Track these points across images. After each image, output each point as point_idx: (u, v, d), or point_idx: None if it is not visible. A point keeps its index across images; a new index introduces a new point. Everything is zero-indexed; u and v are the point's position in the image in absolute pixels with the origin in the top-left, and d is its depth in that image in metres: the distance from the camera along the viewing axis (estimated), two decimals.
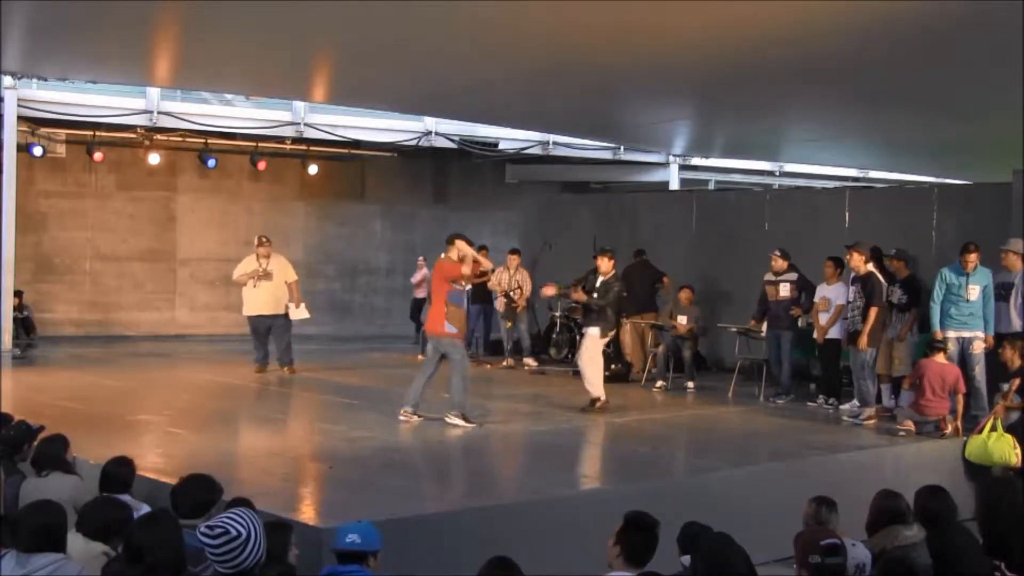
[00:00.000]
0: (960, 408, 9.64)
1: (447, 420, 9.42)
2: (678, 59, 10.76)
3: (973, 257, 10.11)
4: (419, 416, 9.62)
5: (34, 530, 4.28)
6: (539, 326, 15.30)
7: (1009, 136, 12.68)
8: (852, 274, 10.64)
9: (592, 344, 10.64)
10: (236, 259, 18.68)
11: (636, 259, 14.03)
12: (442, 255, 10.17)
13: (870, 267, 10.53)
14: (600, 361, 10.78)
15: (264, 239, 13.43)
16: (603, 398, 10.58)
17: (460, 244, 9.78)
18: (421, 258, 18.59)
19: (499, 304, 14.74)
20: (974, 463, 9.22)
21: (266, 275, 13.15)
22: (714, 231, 15.09)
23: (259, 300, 13.13)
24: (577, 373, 13.46)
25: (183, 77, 14.70)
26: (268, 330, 13.13)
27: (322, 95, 15.73)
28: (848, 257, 10.62)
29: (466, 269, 9.65)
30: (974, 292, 10.06)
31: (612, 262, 10.90)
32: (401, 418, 9.57)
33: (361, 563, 4.57)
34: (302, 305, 13.32)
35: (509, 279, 14.62)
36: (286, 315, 13.21)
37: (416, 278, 18.49)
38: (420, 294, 18.05)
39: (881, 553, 4.87)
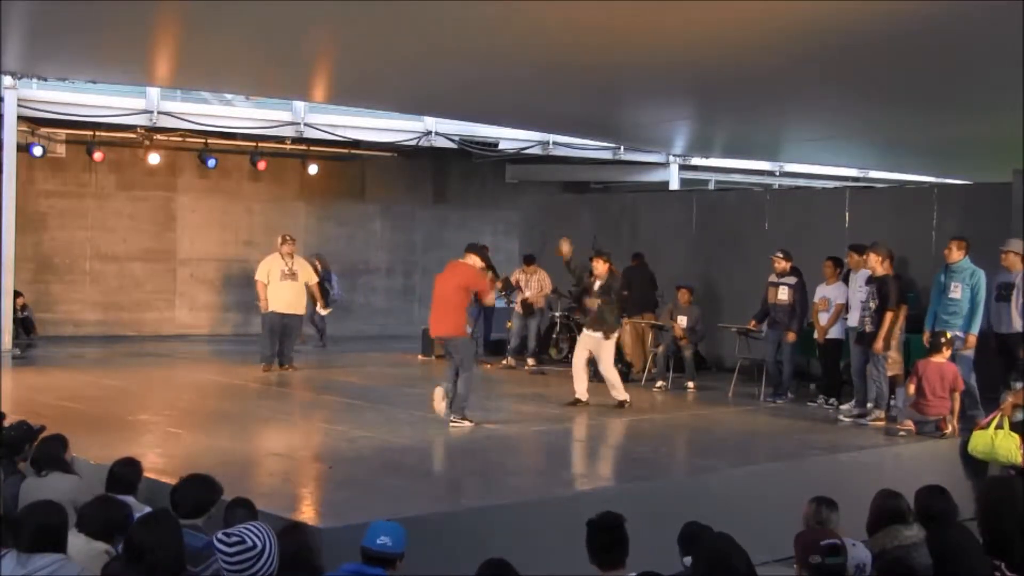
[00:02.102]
0: (956, 407, 9.64)
1: (453, 422, 9.38)
2: (678, 59, 10.76)
3: (953, 244, 10.20)
4: (470, 421, 9.47)
5: (34, 530, 4.27)
6: (539, 326, 15.30)
7: (1009, 136, 12.68)
8: (867, 274, 10.59)
9: (608, 349, 10.82)
10: (236, 259, 18.78)
11: (635, 263, 14.05)
12: (463, 260, 9.81)
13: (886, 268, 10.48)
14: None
15: (289, 237, 13.50)
16: (627, 399, 10.88)
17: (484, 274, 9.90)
18: None
19: (517, 306, 14.63)
20: (976, 459, 9.22)
21: (292, 275, 13.23)
22: (714, 231, 15.09)
23: (282, 299, 13.21)
24: None
25: (183, 77, 14.70)
26: (283, 329, 13.18)
27: (322, 95, 15.73)
28: (863, 257, 10.57)
29: (489, 299, 9.75)
30: (956, 290, 10.11)
31: (608, 265, 10.99)
32: (452, 426, 9.40)
33: (387, 567, 4.49)
34: (323, 306, 13.46)
35: (526, 282, 14.62)
36: (301, 317, 13.30)
37: None
38: None
39: (881, 553, 4.87)
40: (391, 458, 8.20)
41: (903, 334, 10.89)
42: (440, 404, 9.40)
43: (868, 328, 10.25)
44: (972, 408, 10.00)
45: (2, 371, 12.58)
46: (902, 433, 9.56)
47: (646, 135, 17.97)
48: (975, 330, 10.07)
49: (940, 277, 10.32)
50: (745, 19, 8.86)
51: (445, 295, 9.61)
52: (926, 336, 10.11)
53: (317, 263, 17.37)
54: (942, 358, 9.65)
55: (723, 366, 13.91)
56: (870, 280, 10.37)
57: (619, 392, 10.83)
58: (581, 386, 10.88)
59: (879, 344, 10.15)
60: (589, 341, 10.87)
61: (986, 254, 10.37)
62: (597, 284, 10.94)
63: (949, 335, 9.86)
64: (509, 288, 14.48)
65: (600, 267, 10.99)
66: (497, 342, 15.66)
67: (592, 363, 11.03)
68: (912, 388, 9.65)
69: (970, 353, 10.13)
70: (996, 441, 9.06)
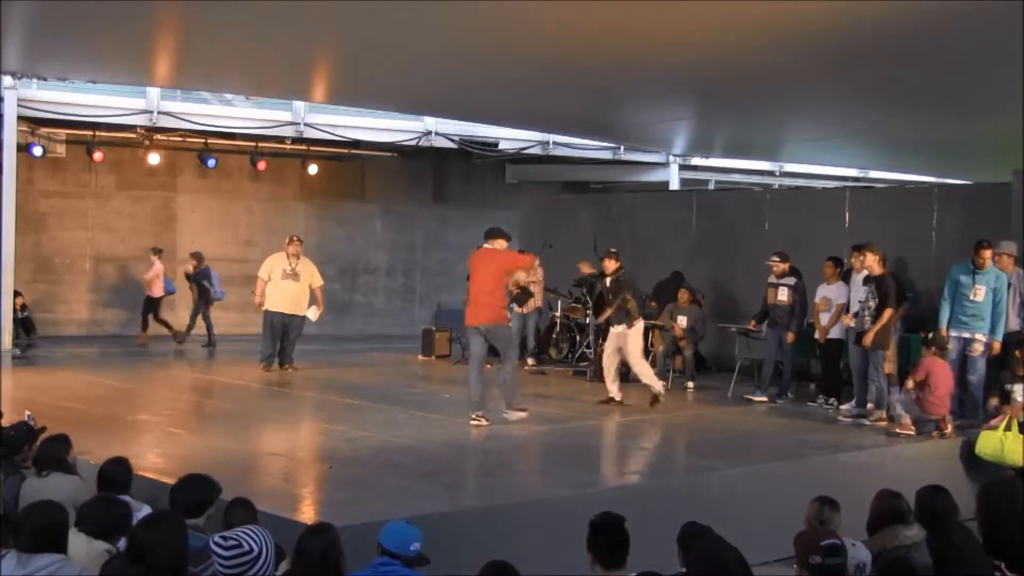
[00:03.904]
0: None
1: (507, 416, 9.53)
2: (678, 59, 10.75)
3: (987, 253, 10.10)
4: (487, 420, 9.55)
5: (35, 530, 4.27)
6: (539, 326, 15.30)
7: (1009, 136, 12.68)
8: (863, 274, 10.59)
9: (633, 340, 10.85)
10: (236, 259, 18.77)
11: (671, 277, 14.07)
12: (487, 245, 9.88)
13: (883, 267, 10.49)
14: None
15: (295, 238, 13.51)
16: (662, 390, 10.96)
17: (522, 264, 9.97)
18: (154, 253, 16.86)
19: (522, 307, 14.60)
20: (977, 460, 9.21)
21: (293, 275, 13.23)
22: (714, 231, 15.09)
23: (283, 298, 13.21)
24: (578, 372, 13.53)
25: (183, 77, 14.70)
26: (283, 328, 13.18)
27: (322, 95, 15.73)
28: (861, 257, 10.56)
29: (522, 274, 9.79)
30: (980, 292, 10.06)
31: (617, 263, 11.08)
32: (472, 422, 9.50)
33: (420, 567, 4.51)
34: (318, 311, 13.39)
35: (525, 277, 14.59)
36: (303, 317, 13.29)
37: (150, 275, 16.69)
38: (156, 292, 16.64)
39: (881, 553, 4.87)
40: (391, 458, 8.20)
41: (899, 333, 10.90)
42: (482, 423, 9.45)
43: (868, 327, 10.23)
44: (971, 410, 10.02)
45: (2, 371, 12.58)
46: (902, 434, 9.55)
47: (646, 135, 17.97)
48: (999, 335, 10.08)
49: (961, 277, 10.22)
50: (745, 19, 8.86)
51: (484, 284, 9.61)
52: (943, 334, 10.10)
53: (195, 261, 16.85)
54: (944, 358, 9.70)
55: (723, 366, 13.91)
56: (868, 279, 10.37)
57: (653, 382, 10.86)
58: (613, 385, 10.95)
59: (868, 338, 10.17)
60: (615, 337, 10.93)
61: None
62: (608, 281, 11.06)
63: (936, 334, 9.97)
64: (522, 298, 14.38)
65: (611, 265, 11.07)
66: None
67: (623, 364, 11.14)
68: (910, 384, 9.64)
69: (983, 356, 10.13)
70: (1006, 444, 9.03)
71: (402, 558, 4.48)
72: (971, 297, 10.09)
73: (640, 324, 11.00)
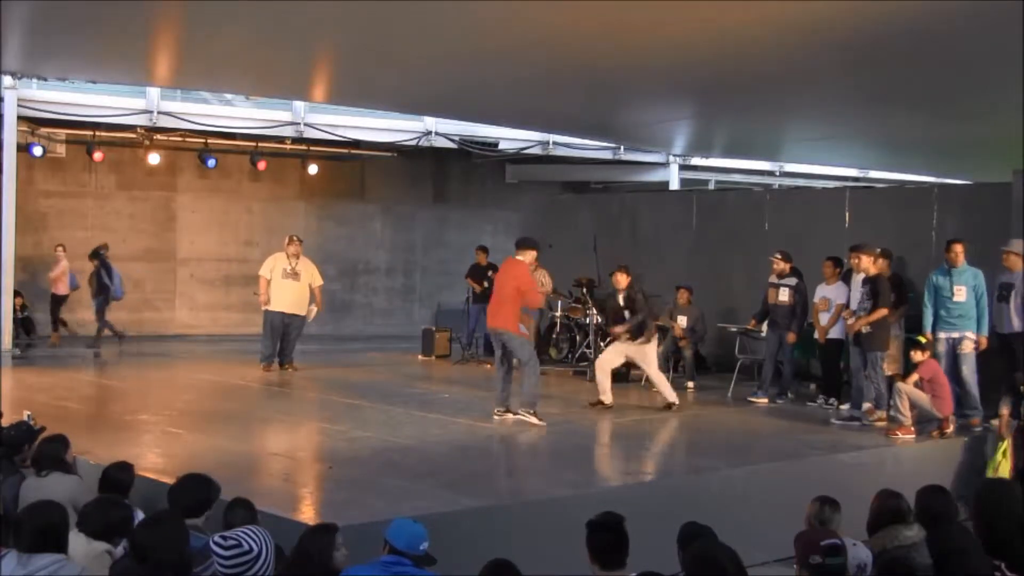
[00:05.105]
0: None
1: (520, 416, 9.71)
2: (678, 59, 10.76)
3: (959, 248, 10.21)
4: (511, 413, 9.89)
5: (35, 530, 4.27)
6: (539, 326, 15.29)
7: (1009, 136, 12.68)
8: (861, 276, 10.58)
9: (651, 353, 10.97)
10: (236, 259, 18.77)
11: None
12: (517, 256, 10.16)
13: (878, 268, 10.49)
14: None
15: (295, 238, 13.54)
16: (676, 401, 10.96)
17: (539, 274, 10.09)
18: (60, 249, 16.26)
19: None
20: (975, 460, 9.22)
21: (294, 275, 13.24)
22: (714, 231, 15.09)
23: (283, 298, 13.23)
24: (578, 372, 13.53)
25: (183, 77, 14.70)
26: (284, 328, 13.19)
27: (322, 95, 15.72)
28: (856, 259, 10.53)
29: (539, 298, 10.07)
30: (961, 293, 10.15)
31: (628, 277, 11.13)
32: (495, 417, 9.88)
33: (425, 567, 4.51)
34: (315, 311, 13.46)
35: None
36: (304, 317, 13.31)
37: (55, 272, 16.15)
38: (61, 290, 16.15)
39: (881, 553, 4.87)
40: (391, 458, 8.20)
41: (903, 333, 10.91)
42: (504, 417, 9.78)
43: (865, 329, 10.22)
44: (968, 407, 10.03)
45: (2, 371, 12.58)
46: (900, 437, 9.52)
47: (646, 135, 17.97)
48: (985, 331, 10.17)
49: (940, 280, 10.31)
50: (745, 19, 8.86)
51: (502, 292, 9.95)
52: (928, 338, 10.11)
53: (100, 254, 16.06)
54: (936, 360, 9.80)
55: (723, 366, 13.90)
56: (865, 281, 10.38)
57: (669, 393, 10.90)
58: (606, 390, 10.87)
59: (852, 322, 10.21)
60: (627, 348, 10.96)
61: (986, 254, 10.37)
62: (621, 297, 11.07)
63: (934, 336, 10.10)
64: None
65: (622, 280, 11.11)
66: None
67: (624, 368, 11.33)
68: (913, 379, 9.63)
69: (974, 353, 10.17)
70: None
71: (412, 557, 4.47)
72: (953, 299, 10.18)
73: (656, 339, 11.14)
